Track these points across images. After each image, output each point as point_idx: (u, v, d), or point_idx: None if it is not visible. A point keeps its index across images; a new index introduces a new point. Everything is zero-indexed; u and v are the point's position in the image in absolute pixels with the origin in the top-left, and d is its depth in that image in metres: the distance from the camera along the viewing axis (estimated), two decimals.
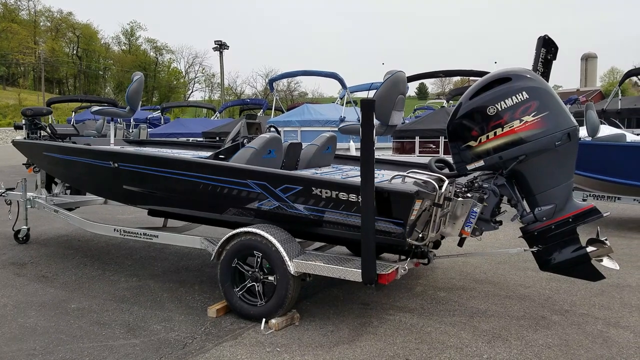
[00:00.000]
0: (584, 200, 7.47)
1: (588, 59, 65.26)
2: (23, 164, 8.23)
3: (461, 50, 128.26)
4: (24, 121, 7.10)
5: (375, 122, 3.67)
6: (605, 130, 8.29)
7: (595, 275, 3.89)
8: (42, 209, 6.57)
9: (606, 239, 3.83)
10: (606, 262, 3.84)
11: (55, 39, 79.56)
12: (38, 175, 7.09)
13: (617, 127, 10.56)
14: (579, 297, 4.64)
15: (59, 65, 77.25)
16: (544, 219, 3.87)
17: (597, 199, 7.64)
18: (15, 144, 6.57)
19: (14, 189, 6.92)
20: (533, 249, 3.98)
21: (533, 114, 3.68)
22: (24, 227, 6.83)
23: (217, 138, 16.02)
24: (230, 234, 4.15)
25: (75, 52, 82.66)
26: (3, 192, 6.87)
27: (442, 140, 12.05)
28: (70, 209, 6.65)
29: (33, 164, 7.12)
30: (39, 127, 6.98)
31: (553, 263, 3.93)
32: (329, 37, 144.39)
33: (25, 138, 6.92)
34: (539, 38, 4.57)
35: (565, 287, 4.91)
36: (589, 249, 3.83)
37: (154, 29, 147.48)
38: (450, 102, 17.75)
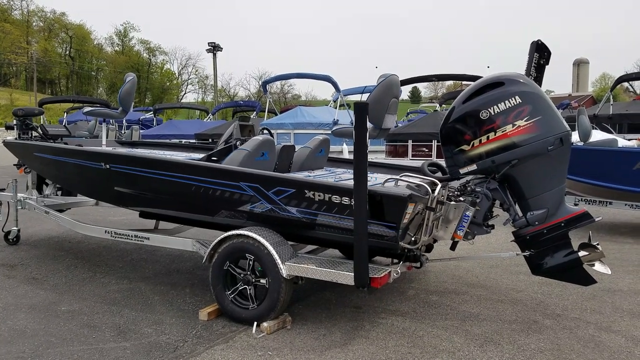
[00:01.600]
0: (575, 204, 7.52)
1: (580, 65, 65.74)
2: (14, 165, 8.16)
3: (456, 53, 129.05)
4: (15, 121, 7.04)
5: (369, 125, 3.67)
6: (597, 135, 8.34)
7: (587, 279, 3.90)
8: (33, 210, 6.51)
9: (598, 244, 3.85)
10: (598, 266, 3.86)
11: (48, 39, 79.14)
12: (29, 176, 7.03)
13: (609, 132, 10.65)
14: (571, 302, 4.66)
15: (51, 65, 76.82)
16: (536, 223, 3.88)
17: (589, 204, 7.69)
18: (6, 144, 6.51)
19: (4, 189, 6.86)
20: (525, 253, 3.99)
21: (526, 118, 3.70)
22: (14, 228, 6.76)
23: (210, 140, 15.97)
24: (222, 236, 4.13)
25: (68, 52, 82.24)
26: None
27: (434, 143, 12.09)
28: (61, 211, 6.60)
29: (24, 164, 7.05)
30: (30, 128, 6.92)
31: (545, 267, 3.94)
32: (324, 39, 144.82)
33: (16, 138, 6.86)
34: (532, 43, 4.59)
35: (557, 291, 4.93)
36: (581, 253, 3.85)
37: (148, 30, 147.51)
38: (443, 106, 17.82)
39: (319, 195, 3.88)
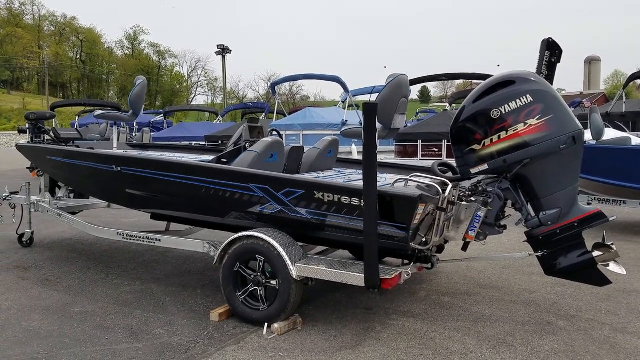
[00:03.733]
0: (589, 204, 7.43)
1: (592, 62, 65.11)
2: (27, 168, 8.25)
3: (464, 53, 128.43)
4: (27, 125, 7.12)
5: (378, 125, 3.66)
6: (610, 134, 8.25)
7: (601, 280, 3.85)
8: (46, 212, 6.57)
9: (612, 244, 3.79)
10: (612, 266, 3.81)
11: (59, 43, 79.99)
12: (42, 179, 7.10)
13: (622, 130, 10.53)
14: (585, 303, 4.60)
15: (62, 69, 77.62)
16: (549, 223, 3.84)
17: (603, 203, 7.60)
18: (19, 147, 6.59)
19: (18, 192, 6.93)
20: (538, 254, 3.94)
21: (537, 117, 3.66)
22: (28, 230, 6.83)
23: (220, 142, 16.03)
24: (232, 237, 4.14)
25: (79, 56, 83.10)
26: (7, 196, 6.89)
27: (445, 143, 12.02)
28: (73, 213, 6.65)
29: (37, 167, 7.13)
30: (42, 131, 6.99)
31: (558, 268, 3.90)
32: (332, 40, 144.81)
33: (29, 142, 6.94)
34: (543, 41, 4.54)
35: (571, 292, 4.87)
36: (595, 253, 3.79)
37: (157, 33, 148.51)
38: (453, 105, 17.73)
39: (329, 196, 3.87)
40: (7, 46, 71.87)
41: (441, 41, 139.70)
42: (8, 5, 76.76)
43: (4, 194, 6.90)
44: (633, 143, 7.79)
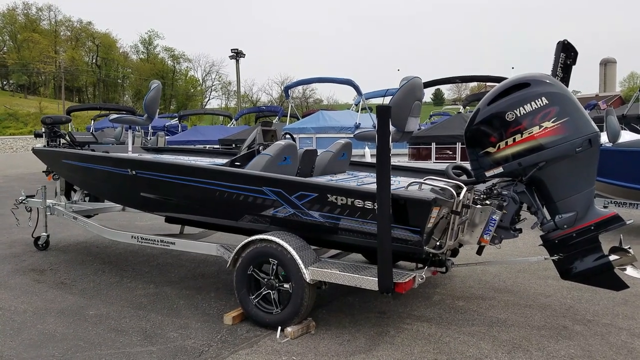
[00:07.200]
0: (605, 207, 7.31)
1: (607, 64, 64.24)
2: (43, 172, 8.38)
3: (478, 55, 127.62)
4: (43, 129, 7.22)
5: (391, 128, 3.65)
6: (626, 136, 8.12)
7: (618, 284, 3.80)
8: (62, 216, 6.65)
9: (629, 247, 3.74)
10: (630, 270, 3.75)
11: (75, 48, 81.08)
12: (57, 183, 7.20)
13: (638, 132, 10.35)
14: (602, 307, 4.53)
15: (78, 74, 78.62)
16: (565, 226, 3.79)
17: (619, 206, 7.48)
18: (35, 151, 6.68)
19: (34, 196, 7.03)
20: (554, 258, 3.90)
21: (553, 119, 3.62)
22: (44, 233, 6.92)
23: (234, 145, 16.10)
24: (246, 241, 4.15)
25: (94, 61, 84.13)
26: (23, 200, 6.99)
27: (459, 146, 11.95)
28: (88, 216, 6.73)
29: (53, 171, 7.23)
30: (58, 135, 7.09)
31: (575, 272, 3.85)
32: (344, 44, 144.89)
33: (45, 146, 7.03)
34: (559, 43, 4.50)
35: (588, 296, 4.80)
36: (612, 257, 3.75)
37: (172, 37, 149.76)
38: (467, 108, 17.61)
39: (342, 200, 3.86)
40: (24, 51, 73.08)
41: (454, 41, 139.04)
42: (25, 11, 78.13)
43: (20, 198, 7.00)
44: None
